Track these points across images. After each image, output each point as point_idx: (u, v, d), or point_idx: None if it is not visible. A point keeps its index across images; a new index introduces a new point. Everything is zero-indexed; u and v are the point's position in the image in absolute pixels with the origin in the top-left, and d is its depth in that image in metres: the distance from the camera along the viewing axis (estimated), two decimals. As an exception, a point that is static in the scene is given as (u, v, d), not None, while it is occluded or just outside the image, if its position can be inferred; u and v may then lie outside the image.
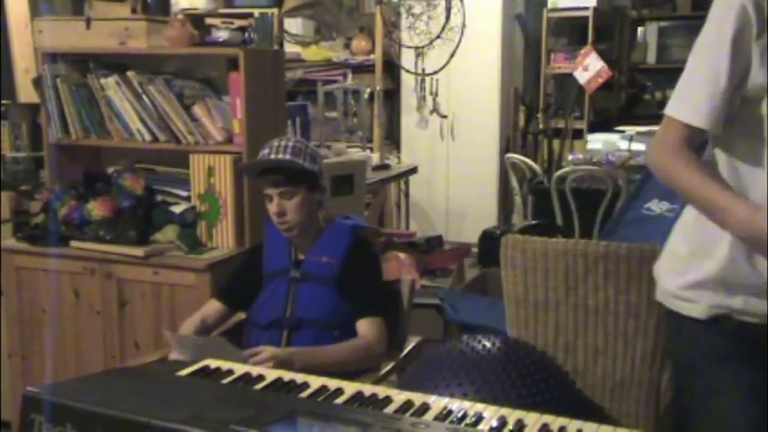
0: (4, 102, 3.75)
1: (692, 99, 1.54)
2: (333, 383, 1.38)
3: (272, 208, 2.33)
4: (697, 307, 1.60)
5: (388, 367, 2.32)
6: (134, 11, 3.13)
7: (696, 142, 1.56)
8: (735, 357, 1.58)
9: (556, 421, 1.25)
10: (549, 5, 6.36)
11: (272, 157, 2.31)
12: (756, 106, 1.49)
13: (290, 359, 2.11)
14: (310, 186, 2.35)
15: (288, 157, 2.30)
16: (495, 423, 1.23)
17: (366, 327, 2.31)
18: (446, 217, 6.45)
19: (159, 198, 3.05)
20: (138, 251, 2.82)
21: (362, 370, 2.24)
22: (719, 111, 1.51)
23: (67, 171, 3.18)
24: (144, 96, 2.95)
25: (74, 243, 2.93)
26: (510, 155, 5.43)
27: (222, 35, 3.10)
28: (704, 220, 1.56)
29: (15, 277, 3.03)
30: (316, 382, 1.39)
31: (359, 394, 1.34)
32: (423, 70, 5.49)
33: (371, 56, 6.12)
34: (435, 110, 6.16)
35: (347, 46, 6.28)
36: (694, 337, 1.62)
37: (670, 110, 1.57)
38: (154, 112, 2.95)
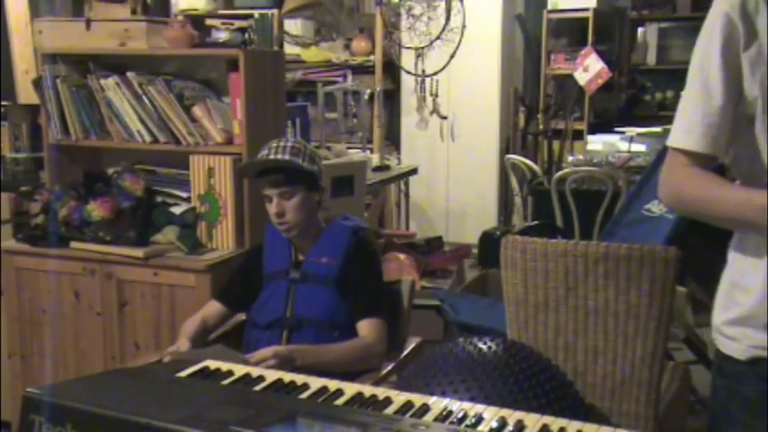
0: (4, 103, 3.75)
1: (686, 122, 1.40)
2: (333, 384, 1.38)
3: (272, 208, 2.33)
4: (737, 346, 1.44)
5: (389, 368, 2.32)
6: (134, 12, 3.13)
7: (706, 166, 1.40)
8: None
9: (555, 422, 1.24)
10: (549, 6, 6.36)
11: (272, 157, 2.31)
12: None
13: (292, 356, 2.13)
14: (309, 187, 2.35)
15: (287, 156, 2.30)
16: (495, 424, 1.23)
17: (366, 328, 2.31)
18: (446, 218, 6.45)
19: (159, 199, 3.05)
20: (138, 252, 2.82)
21: (363, 371, 2.25)
22: (718, 130, 1.37)
23: (67, 172, 3.18)
24: (144, 97, 2.95)
25: (74, 244, 2.93)
26: (510, 156, 5.43)
27: (222, 36, 3.11)
28: (743, 249, 1.42)
29: (15, 278, 3.03)
30: (316, 383, 1.39)
31: (359, 395, 1.34)
32: (423, 71, 5.48)
33: (371, 57, 6.13)
34: (435, 111, 6.16)
35: (347, 47, 6.28)
36: (733, 380, 1.46)
37: (669, 140, 1.44)
38: (154, 112, 2.95)
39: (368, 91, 5.82)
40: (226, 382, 1.41)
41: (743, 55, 1.35)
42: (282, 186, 2.31)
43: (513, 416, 1.25)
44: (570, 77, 6.03)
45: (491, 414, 1.26)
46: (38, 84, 3.13)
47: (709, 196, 1.39)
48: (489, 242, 4.66)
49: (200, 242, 2.91)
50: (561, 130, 6.36)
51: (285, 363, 2.09)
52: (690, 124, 1.40)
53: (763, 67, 1.34)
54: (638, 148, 4.94)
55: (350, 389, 1.36)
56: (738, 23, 1.34)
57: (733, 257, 1.47)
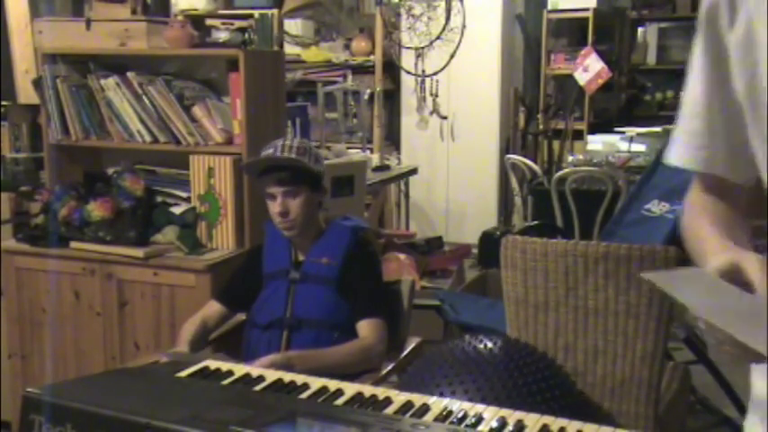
0: (4, 103, 3.74)
1: (674, 133, 1.16)
2: (333, 384, 1.38)
3: (275, 207, 2.33)
4: None
5: (389, 368, 2.32)
6: (134, 12, 3.13)
7: (716, 188, 1.14)
8: None
9: (555, 422, 1.24)
10: (550, 6, 6.36)
11: (278, 155, 2.31)
12: None
13: (290, 363, 2.10)
14: (313, 187, 2.35)
15: (293, 156, 2.30)
16: (495, 424, 1.23)
17: (367, 328, 2.31)
18: (446, 218, 6.45)
19: (159, 199, 3.05)
20: (138, 252, 2.82)
21: (363, 371, 2.25)
22: (701, 138, 1.12)
23: (67, 172, 3.18)
24: (144, 97, 2.95)
25: (74, 244, 2.93)
26: (510, 156, 5.43)
27: (222, 36, 3.10)
28: None
29: (15, 278, 3.03)
30: (316, 383, 1.39)
31: (359, 395, 1.34)
32: (423, 71, 5.48)
33: (371, 57, 6.13)
34: (435, 111, 6.16)
35: (347, 47, 6.28)
36: None
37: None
38: (154, 112, 2.95)
39: (368, 91, 5.82)
40: (226, 382, 1.41)
41: (728, 36, 1.06)
42: (287, 185, 2.31)
43: (513, 416, 1.25)
44: (570, 77, 6.03)
45: (491, 414, 1.26)
46: (38, 84, 3.13)
47: (688, 235, 1.17)
48: (489, 242, 4.67)
49: (200, 242, 2.91)
50: (561, 130, 6.36)
51: (284, 370, 2.07)
52: (674, 136, 1.17)
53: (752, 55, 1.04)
54: (638, 148, 4.94)
55: (350, 389, 1.36)
56: (722, 3, 1.06)
57: None
